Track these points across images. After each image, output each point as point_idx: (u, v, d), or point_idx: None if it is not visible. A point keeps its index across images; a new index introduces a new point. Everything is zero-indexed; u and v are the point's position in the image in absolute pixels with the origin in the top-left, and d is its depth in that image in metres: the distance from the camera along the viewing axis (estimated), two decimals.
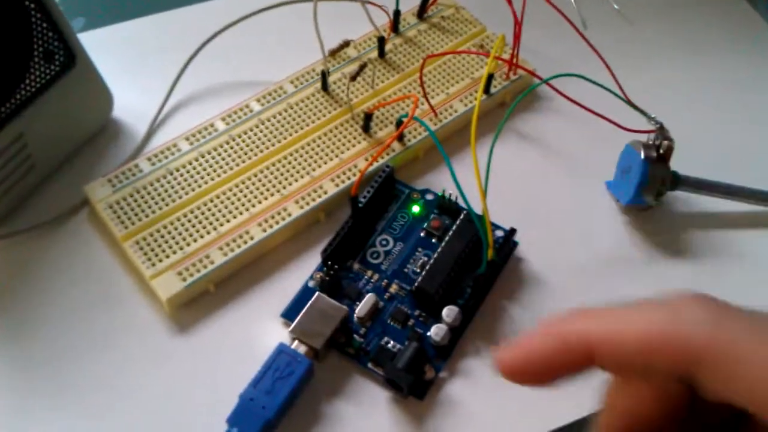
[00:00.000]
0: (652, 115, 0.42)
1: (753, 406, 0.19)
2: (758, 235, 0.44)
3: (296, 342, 0.37)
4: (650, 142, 0.41)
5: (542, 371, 0.23)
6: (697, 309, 0.21)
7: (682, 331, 0.20)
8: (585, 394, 0.37)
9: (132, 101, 0.47)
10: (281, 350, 0.36)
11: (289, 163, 0.43)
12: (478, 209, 0.37)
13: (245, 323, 0.39)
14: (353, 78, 0.45)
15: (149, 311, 0.40)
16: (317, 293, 0.38)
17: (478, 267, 0.39)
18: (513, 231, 0.41)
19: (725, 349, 0.20)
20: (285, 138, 0.44)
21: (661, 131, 0.41)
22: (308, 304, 0.38)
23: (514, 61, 0.46)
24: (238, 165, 0.43)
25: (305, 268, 0.41)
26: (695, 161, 0.43)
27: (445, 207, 0.42)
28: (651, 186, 0.40)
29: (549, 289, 0.41)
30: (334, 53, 0.47)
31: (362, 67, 0.45)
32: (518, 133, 0.47)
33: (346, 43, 0.47)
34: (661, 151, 0.40)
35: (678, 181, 0.42)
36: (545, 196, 0.44)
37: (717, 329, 0.20)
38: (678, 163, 0.42)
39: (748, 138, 0.48)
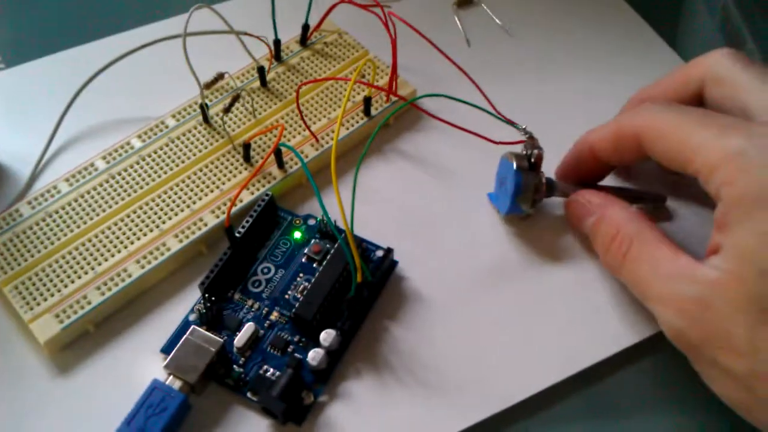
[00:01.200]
0: (523, 126, 0.42)
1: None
2: None
3: (171, 377, 0.37)
4: (522, 152, 0.42)
5: (604, 152, 0.40)
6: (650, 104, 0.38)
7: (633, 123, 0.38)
8: (466, 406, 0.38)
9: (16, 146, 0.47)
10: (155, 387, 0.36)
11: (169, 197, 0.43)
12: (356, 231, 0.37)
13: (125, 361, 0.39)
14: (227, 110, 0.45)
15: (30, 354, 0.40)
16: (192, 327, 0.38)
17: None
18: (389, 250, 0.42)
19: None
20: (165, 173, 0.44)
21: (531, 140, 0.42)
22: (183, 339, 0.38)
23: (394, 85, 0.47)
24: (117, 203, 0.43)
25: (187, 302, 0.41)
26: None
27: (324, 232, 0.43)
28: (525, 194, 0.41)
29: (432, 305, 0.41)
30: (209, 86, 0.47)
31: (235, 98, 0.45)
32: (401, 153, 0.48)
33: (220, 76, 0.47)
34: (533, 160, 0.41)
35: (553, 188, 0.42)
36: (426, 213, 0.45)
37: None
38: (550, 170, 0.43)
39: None
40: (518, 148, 0.43)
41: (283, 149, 0.44)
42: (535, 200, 0.41)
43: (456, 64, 0.44)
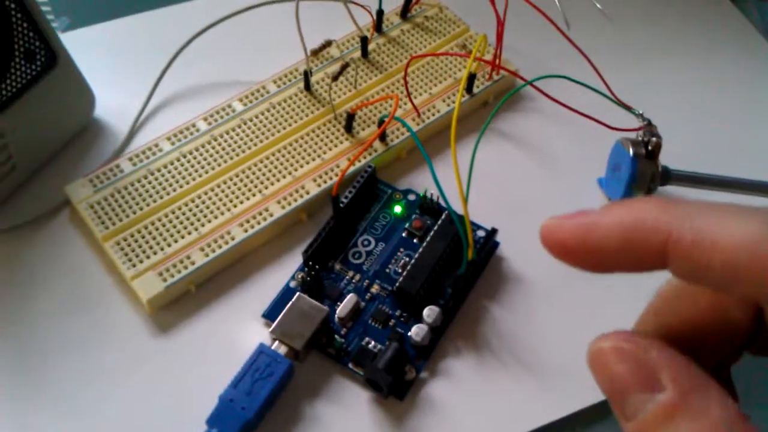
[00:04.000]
0: (640, 112, 0.42)
1: None
2: None
3: (276, 342, 0.37)
4: (639, 139, 0.41)
5: (601, 254, 0.19)
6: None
7: None
8: (567, 393, 0.37)
9: (114, 101, 0.47)
10: (261, 351, 0.36)
11: (271, 163, 0.43)
12: (459, 209, 0.37)
13: (226, 324, 0.39)
14: (335, 78, 0.45)
15: (130, 312, 0.40)
16: (298, 294, 0.38)
17: (458, 267, 0.39)
18: (494, 231, 0.41)
19: None
20: (267, 138, 0.44)
21: (649, 128, 0.41)
22: (289, 305, 0.38)
23: (497, 61, 0.46)
24: (219, 165, 0.43)
25: (287, 269, 0.41)
26: (682, 157, 0.43)
27: (427, 207, 0.42)
28: (641, 183, 0.40)
29: (533, 289, 0.41)
30: (316, 53, 0.47)
31: (344, 67, 0.45)
32: (501, 133, 0.47)
33: (328, 43, 0.47)
34: (650, 148, 0.41)
35: (668, 177, 0.42)
36: (529, 196, 0.44)
37: None
38: (666, 159, 0.42)
39: (733, 133, 0.48)
40: (632, 135, 0.42)
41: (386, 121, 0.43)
42: (650, 189, 0.40)
43: (576, 45, 0.43)
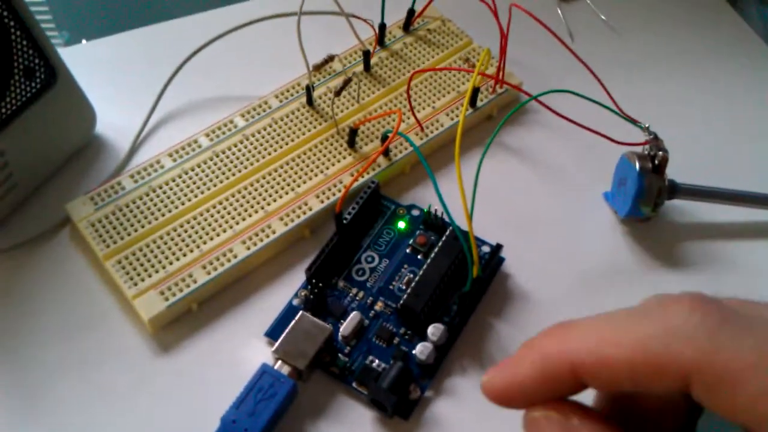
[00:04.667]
0: (645, 126, 0.41)
1: (752, 426, 0.18)
2: (757, 243, 0.43)
3: (279, 362, 0.36)
4: (645, 153, 0.41)
5: (528, 395, 0.22)
6: (688, 318, 0.19)
7: (672, 349, 0.19)
8: None
9: (115, 117, 0.46)
10: (264, 371, 0.36)
11: (274, 179, 0.43)
12: (464, 224, 0.37)
13: (228, 343, 0.39)
14: (338, 93, 0.44)
15: (132, 331, 0.39)
16: (301, 312, 0.38)
17: (463, 283, 0.38)
18: (499, 247, 0.41)
19: (720, 370, 0.18)
20: (269, 153, 0.44)
21: (655, 142, 0.41)
22: (292, 324, 0.37)
23: (500, 75, 0.46)
24: (221, 181, 0.42)
25: (290, 286, 0.40)
26: (688, 170, 0.43)
27: (431, 223, 0.42)
28: (648, 197, 0.40)
29: (539, 305, 0.40)
30: (318, 68, 0.47)
31: (347, 81, 0.44)
32: (505, 147, 0.47)
33: (330, 58, 0.47)
34: (656, 162, 0.40)
35: (675, 190, 0.41)
36: (534, 211, 0.44)
37: (711, 345, 0.18)
38: (672, 173, 0.42)
39: (740, 145, 0.48)
40: (638, 149, 0.41)
41: (389, 136, 0.43)
42: (656, 203, 0.40)
43: (580, 58, 0.43)
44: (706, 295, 0.20)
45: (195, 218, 0.41)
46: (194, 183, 0.42)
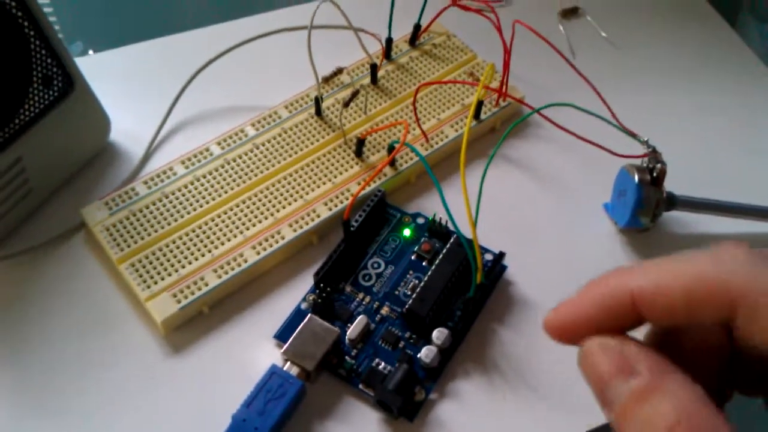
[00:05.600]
0: (644, 139, 0.43)
1: None
2: None
3: (288, 363, 0.37)
4: (644, 166, 0.42)
5: (588, 327, 0.23)
6: (736, 254, 0.21)
7: (722, 276, 0.21)
8: (574, 415, 0.38)
9: (129, 125, 0.48)
10: (273, 372, 0.37)
11: (283, 186, 0.44)
12: (467, 232, 0.38)
13: (238, 344, 0.40)
14: (346, 104, 0.45)
15: (144, 333, 0.40)
16: (309, 315, 0.39)
17: (467, 290, 0.39)
18: (502, 255, 0.42)
19: (763, 293, 0.20)
20: (279, 162, 0.45)
21: (654, 155, 0.42)
22: (300, 326, 0.38)
23: (504, 88, 0.47)
24: (232, 188, 0.44)
25: (298, 290, 0.42)
26: (686, 183, 0.44)
27: (436, 231, 0.43)
28: (647, 209, 0.41)
29: (540, 312, 0.41)
30: (327, 80, 0.48)
31: (355, 93, 0.46)
32: (507, 158, 0.48)
33: (339, 70, 0.48)
34: (655, 174, 0.41)
35: (673, 202, 0.42)
36: (536, 220, 0.45)
37: (755, 272, 0.21)
38: (670, 185, 0.43)
39: (736, 158, 0.49)
40: (637, 162, 0.43)
41: (396, 146, 0.44)
42: (655, 215, 0.41)
43: (581, 73, 0.44)
44: None
45: (206, 224, 0.42)
46: (206, 190, 0.43)
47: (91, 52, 0.52)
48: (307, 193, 0.44)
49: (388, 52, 0.50)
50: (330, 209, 0.43)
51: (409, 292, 0.41)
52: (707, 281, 0.21)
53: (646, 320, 0.22)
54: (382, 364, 0.39)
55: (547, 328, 0.24)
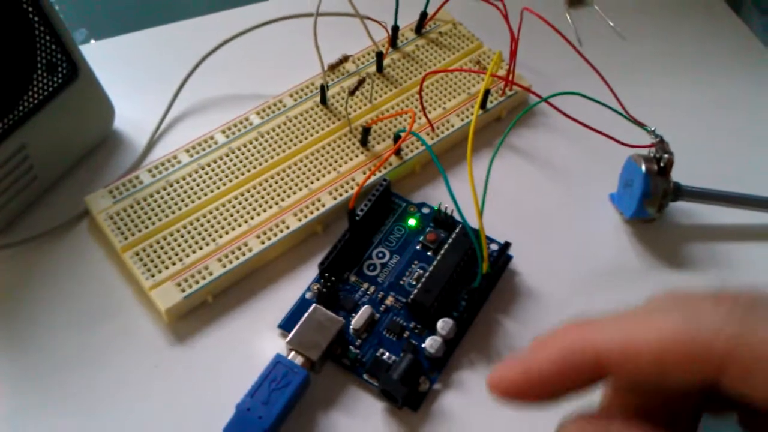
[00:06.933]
0: (652, 129, 0.42)
1: None
2: (760, 245, 0.44)
3: (293, 353, 0.37)
4: (651, 156, 0.42)
5: (543, 386, 0.21)
6: (715, 309, 0.19)
7: (703, 337, 0.18)
8: (578, 406, 0.38)
9: (133, 113, 0.47)
10: (278, 361, 0.37)
11: (288, 175, 0.44)
12: (472, 222, 0.38)
13: (243, 334, 0.40)
14: (352, 93, 0.45)
15: (148, 321, 0.40)
16: (314, 305, 0.39)
17: (472, 280, 0.39)
18: (507, 245, 0.42)
19: (758, 351, 0.18)
20: (284, 151, 0.45)
21: (661, 144, 0.42)
22: (305, 316, 0.38)
23: (510, 77, 0.47)
24: (237, 177, 0.43)
25: (302, 280, 0.41)
26: (693, 173, 0.44)
27: (441, 220, 0.43)
28: (653, 199, 0.41)
29: (545, 303, 0.41)
30: (333, 68, 0.48)
31: (361, 82, 0.45)
32: (513, 148, 0.48)
33: (345, 58, 0.48)
34: (662, 164, 0.41)
35: (680, 193, 0.42)
36: (542, 210, 0.45)
37: (744, 329, 0.18)
38: (677, 176, 0.43)
39: (743, 149, 0.49)
40: (644, 151, 0.42)
41: (402, 135, 0.44)
42: (661, 205, 0.41)
43: (589, 62, 0.44)
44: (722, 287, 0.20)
45: (211, 212, 0.42)
46: (210, 178, 0.43)
47: (93, 41, 0.52)
48: (312, 182, 0.44)
49: (394, 40, 0.50)
50: (335, 198, 0.43)
51: (414, 282, 0.41)
52: (686, 343, 0.19)
53: (607, 378, 0.20)
54: (387, 354, 0.39)
55: (492, 383, 0.21)
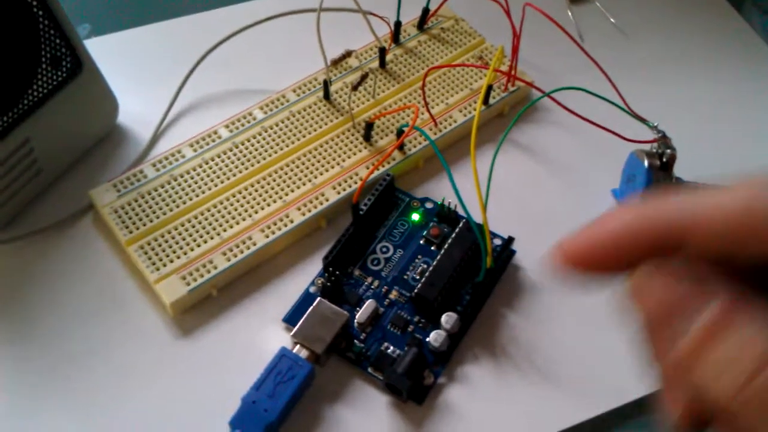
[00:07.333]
0: (654, 124, 0.42)
1: None
2: None
3: (298, 346, 0.37)
4: (653, 151, 0.42)
5: (612, 254, 0.19)
6: None
7: None
8: (583, 400, 0.38)
9: (137, 108, 0.48)
10: (283, 354, 0.37)
11: (292, 170, 0.44)
12: (476, 217, 0.38)
13: (247, 327, 0.40)
14: (355, 88, 0.45)
15: (153, 315, 0.40)
16: (319, 299, 0.39)
17: (476, 274, 0.39)
18: (511, 239, 0.42)
19: None
20: (287, 145, 0.45)
21: (664, 140, 0.42)
22: (310, 310, 0.38)
23: (513, 72, 0.47)
24: (241, 171, 0.44)
25: (307, 274, 0.42)
26: (695, 169, 0.44)
27: (444, 215, 0.43)
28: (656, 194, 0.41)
29: (549, 298, 0.42)
30: (336, 63, 0.48)
31: (364, 77, 0.45)
32: (516, 143, 0.48)
33: (348, 53, 0.48)
34: (665, 160, 0.41)
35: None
36: (544, 205, 0.45)
37: None
38: (679, 171, 0.43)
39: (746, 144, 0.49)
40: (647, 147, 0.43)
41: (405, 130, 0.44)
42: None
43: (592, 57, 0.44)
44: None
45: (215, 206, 0.42)
46: (214, 173, 0.43)
47: (96, 36, 0.52)
48: (316, 177, 0.44)
49: (396, 35, 0.50)
50: (339, 193, 0.43)
51: (418, 277, 0.41)
52: (762, 209, 0.17)
53: (683, 251, 0.18)
54: (391, 347, 0.39)
55: (562, 251, 0.20)
